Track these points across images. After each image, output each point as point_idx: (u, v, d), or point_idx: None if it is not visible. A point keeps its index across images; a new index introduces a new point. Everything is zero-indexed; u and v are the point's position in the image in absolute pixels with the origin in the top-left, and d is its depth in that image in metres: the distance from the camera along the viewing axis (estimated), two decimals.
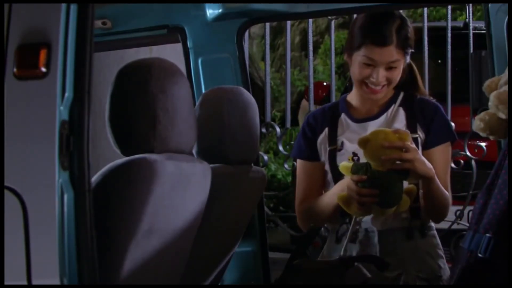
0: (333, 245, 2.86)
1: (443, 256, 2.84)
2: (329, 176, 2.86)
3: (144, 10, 3.27)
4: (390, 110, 2.83)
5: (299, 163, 2.95)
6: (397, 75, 2.77)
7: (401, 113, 2.82)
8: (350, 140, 2.81)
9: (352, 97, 2.91)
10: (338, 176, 2.79)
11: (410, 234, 2.78)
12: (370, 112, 2.86)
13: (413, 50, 2.82)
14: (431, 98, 2.91)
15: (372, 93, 2.78)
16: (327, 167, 2.86)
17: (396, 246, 2.77)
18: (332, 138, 2.85)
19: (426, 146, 2.79)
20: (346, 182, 2.66)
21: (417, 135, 2.78)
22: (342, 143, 2.83)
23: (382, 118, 2.82)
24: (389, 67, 2.74)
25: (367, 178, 2.58)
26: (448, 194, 2.75)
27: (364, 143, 2.61)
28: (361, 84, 2.80)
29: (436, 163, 2.73)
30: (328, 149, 2.85)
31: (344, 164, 2.70)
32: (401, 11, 2.89)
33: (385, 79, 2.75)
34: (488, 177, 2.39)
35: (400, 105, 2.84)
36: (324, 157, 2.87)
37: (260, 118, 3.00)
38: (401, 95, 2.86)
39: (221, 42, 3.24)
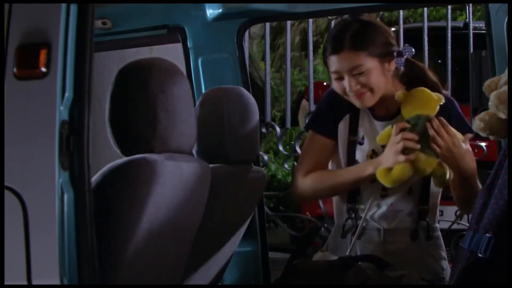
0: (338, 240, 2.85)
1: (446, 257, 2.84)
2: (340, 162, 2.83)
3: (144, 10, 3.27)
4: None
5: (311, 135, 2.87)
6: (370, 80, 2.69)
7: None
8: (370, 137, 2.79)
9: None
10: (352, 164, 2.78)
11: (415, 235, 2.77)
12: (389, 110, 2.81)
13: (390, 54, 2.74)
14: (447, 92, 2.86)
15: (358, 99, 2.72)
16: (343, 156, 2.82)
17: (401, 246, 2.76)
18: (353, 128, 2.81)
19: None
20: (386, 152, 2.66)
21: None
22: (363, 137, 2.80)
23: (399, 117, 2.78)
24: (356, 74, 2.68)
25: (409, 128, 2.64)
26: (479, 186, 2.69)
27: (403, 95, 2.70)
28: (350, 99, 2.75)
29: None
30: (348, 138, 2.81)
31: (381, 133, 2.72)
32: (367, 15, 2.87)
33: (359, 86, 2.69)
34: (488, 177, 2.39)
35: None
36: (341, 144, 2.84)
37: (260, 118, 3.00)
38: None
39: (221, 42, 3.24)
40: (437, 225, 2.84)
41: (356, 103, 2.75)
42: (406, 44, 2.85)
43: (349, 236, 2.81)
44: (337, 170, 2.84)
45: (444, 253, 2.84)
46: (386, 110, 2.81)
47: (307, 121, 3.08)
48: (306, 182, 2.83)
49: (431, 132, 2.63)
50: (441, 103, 2.69)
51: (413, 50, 2.82)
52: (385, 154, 2.66)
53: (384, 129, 2.73)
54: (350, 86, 2.69)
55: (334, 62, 2.71)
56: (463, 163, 2.64)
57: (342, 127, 2.84)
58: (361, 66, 2.68)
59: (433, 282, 2.76)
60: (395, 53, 2.76)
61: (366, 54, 2.68)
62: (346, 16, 3.04)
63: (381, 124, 2.80)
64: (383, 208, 2.78)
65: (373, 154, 2.77)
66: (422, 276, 2.74)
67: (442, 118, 2.65)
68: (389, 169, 2.65)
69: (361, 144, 2.80)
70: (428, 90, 2.71)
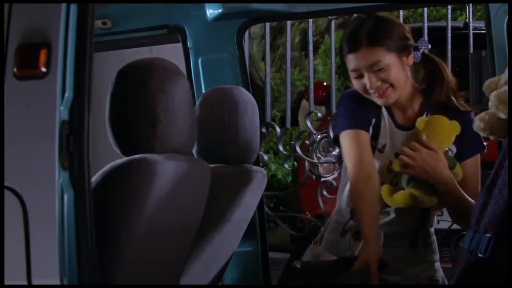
0: (334, 236, 2.82)
1: (438, 259, 2.84)
2: None
3: (144, 10, 3.27)
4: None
5: (346, 135, 2.74)
6: (392, 75, 2.68)
7: None
8: (391, 147, 2.76)
9: None
10: None
11: (414, 242, 2.77)
12: (407, 119, 2.79)
13: (408, 48, 2.73)
14: (464, 102, 2.84)
15: (379, 97, 2.71)
16: None
17: (399, 251, 2.76)
18: (376, 133, 2.77)
19: (459, 158, 2.76)
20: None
21: (447, 149, 2.74)
22: (385, 146, 2.76)
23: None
24: (375, 70, 2.67)
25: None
26: (472, 203, 2.67)
27: (424, 124, 2.70)
28: (371, 98, 2.74)
29: (468, 175, 2.74)
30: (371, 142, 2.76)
31: (397, 163, 2.71)
32: (385, 12, 2.86)
33: (379, 82, 2.68)
34: (488, 177, 2.39)
35: (433, 114, 2.76)
36: None
37: (260, 118, 3.00)
38: (432, 102, 2.79)
39: (221, 42, 3.24)
40: (432, 229, 2.84)
41: (379, 101, 2.73)
42: (422, 38, 2.84)
43: (349, 235, 2.80)
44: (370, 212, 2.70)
45: (437, 256, 2.84)
46: (407, 119, 2.79)
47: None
48: (364, 177, 2.68)
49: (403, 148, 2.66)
50: (457, 134, 2.71)
51: (429, 44, 2.81)
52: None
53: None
54: (371, 83, 2.68)
55: (352, 60, 2.71)
56: (439, 181, 2.65)
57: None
58: (380, 62, 2.67)
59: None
60: (412, 47, 2.75)
61: (383, 50, 2.68)
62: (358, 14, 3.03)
63: (402, 134, 2.78)
64: (391, 214, 2.76)
65: (389, 165, 2.73)
66: (418, 281, 2.76)
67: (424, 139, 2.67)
68: (392, 191, 2.71)
69: (381, 152, 2.76)
70: (445, 119, 2.70)
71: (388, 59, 2.68)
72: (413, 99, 2.80)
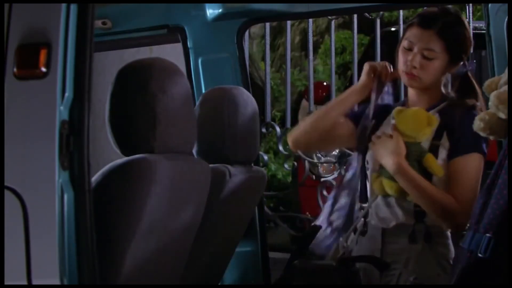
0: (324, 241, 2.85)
1: (448, 266, 2.73)
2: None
3: (144, 10, 3.27)
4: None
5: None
6: (431, 69, 2.75)
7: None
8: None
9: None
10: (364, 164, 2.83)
11: (412, 237, 2.76)
12: None
13: (465, 62, 2.79)
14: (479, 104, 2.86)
15: (407, 75, 2.78)
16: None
17: (398, 247, 2.76)
18: (377, 125, 2.85)
19: (450, 155, 2.76)
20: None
21: (439, 143, 2.75)
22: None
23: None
24: (425, 56, 2.74)
25: None
26: (444, 201, 2.69)
27: (398, 112, 2.75)
28: (401, 71, 2.81)
29: (456, 173, 2.72)
30: (369, 133, 2.84)
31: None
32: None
33: (418, 65, 2.74)
34: (488, 177, 2.38)
35: (438, 111, 2.79)
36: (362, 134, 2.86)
37: (260, 118, 3.00)
38: (444, 103, 2.81)
39: (221, 42, 3.24)
40: (448, 232, 2.77)
41: (404, 79, 2.81)
42: (474, 61, 2.88)
43: (353, 231, 2.81)
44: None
45: (446, 262, 2.74)
46: None
47: None
48: (298, 128, 2.91)
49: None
50: (434, 128, 2.73)
51: (474, 69, 2.87)
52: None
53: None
54: (411, 61, 2.75)
55: (415, 33, 2.77)
56: (390, 168, 2.70)
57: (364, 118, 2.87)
58: (433, 52, 2.75)
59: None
60: (462, 62, 2.82)
61: (445, 45, 2.76)
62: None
63: None
64: (384, 208, 2.77)
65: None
66: (411, 279, 2.74)
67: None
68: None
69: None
70: (424, 112, 2.73)
71: (441, 55, 2.76)
72: (432, 99, 2.83)
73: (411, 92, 2.87)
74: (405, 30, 2.85)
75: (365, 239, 2.80)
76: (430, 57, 2.75)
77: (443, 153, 2.75)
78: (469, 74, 2.85)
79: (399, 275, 2.73)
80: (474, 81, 2.86)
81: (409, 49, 2.77)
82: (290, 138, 2.93)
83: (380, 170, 2.75)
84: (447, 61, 2.78)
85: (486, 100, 2.51)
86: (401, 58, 2.80)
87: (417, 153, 2.72)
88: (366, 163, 2.82)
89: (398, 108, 2.77)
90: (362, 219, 2.81)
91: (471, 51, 2.86)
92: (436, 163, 2.72)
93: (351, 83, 4.96)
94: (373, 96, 2.87)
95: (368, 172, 2.82)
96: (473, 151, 2.74)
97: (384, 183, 2.74)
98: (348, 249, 2.79)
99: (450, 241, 2.77)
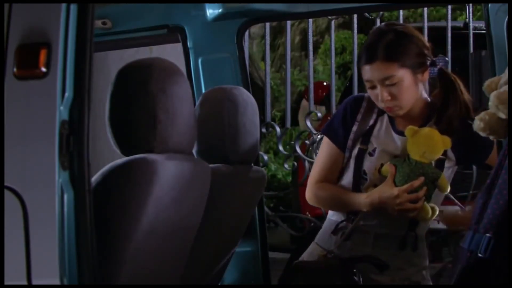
0: (327, 235, 2.85)
1: (427, 266, 2.87)
2: (350, 171, 2.84)
3: (144, 10, 3.27)
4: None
5: (327, 142, 2.88)
6: (402, 91, 2.71)
7: None
8: (382, 150, 2.79)
9: None
10: (358, 176, 2.79)
11: (403, 244, 2.79)
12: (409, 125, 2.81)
13: (423, 65, 2.76)
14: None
15: (388, 111, 2.77)
16: (351, 162, 2.82)
17: (388, 253, 2.77)
18: (366, 137, 2.82)
19: (469, 162, 2.84)
20: (382, 195, 2.70)
21: (444, 157, 2.76)
22: (375, 149, 2.79)
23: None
24: (387, 85, 2.70)
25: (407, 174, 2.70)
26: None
27: (413, 133, 2.71)
28: (381, 107, 2.79)
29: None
30: (358, 146, 2.81)
31: (385, 168, 2.74)
32: (400, 26, 2.87)
33: (388, 96, 2.71)
34: (488, 177, 2.39)
35: (435, 123, 2.80)
36: (350, 150, 2.84)
37: (260, 118, 3.00)
38: (435, 114, 2.82)
39: (221, 42, 3.24)
40: (422, 234, 2.85)
41: (388, 113, 2.80)
42: (440, 55, 2.86)
43: (340, 234, 2.81)
44: (340, 190, 2.84)
45: (426, 262, 2.86)
46: (406, 124, 2.80)
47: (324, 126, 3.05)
48: (313, 190, 2.88)
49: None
50: (447, 149, 2.74)
51: (447, 59, 2.84)
52: (382, 196, 2.70)
53: (386, 166, 2.74)
54: (381, 96, 2.72)
55: (367, 71, 2.74)
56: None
57: (355, 131, 2.84)
58: (393, 77, 2.70)
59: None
60: (428, 63, 2.77)
61: (398, 65, 2.71)
62: (382, 24, 3.05)
63: (400, 138, 2.80)
64: (381, 217, 2.77)
65: (380, 167, 2.76)
66: (404, 283, 2.77)
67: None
68: None
69: (371, 155, 2.79)
70: (437, 133, 2.73)
71: (402, 74, 2.71)
72: (422, 112, 2.82)
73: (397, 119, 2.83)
74: (359, 71, 2.82)
75: (353, 244, 2.81)
76: (393, 83, 2.70)
77: (448, 165, 2.79)
78: (444, 69, 2.83)
79: (392, 282, 2.75)
80: (451, 75, 2.86)
81: (373, 87, 2.74)
82: (306, 195, 2.92)
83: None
84: (411, 75, 2.73)
85: (481, 98, 2.52)
86: (372, 98, 2.78)
87: (434, 175, 2.72)
88: (363, 173, 2.80)
89: (412, 128, 2.73)
90: (351, 224, 2.82)
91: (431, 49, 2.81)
92: (447, 182, 2.77)
93: (351, 83, 4.97)
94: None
95: (365, 183, 2.80)
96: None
97: None
98: (332, 250, 2.78)
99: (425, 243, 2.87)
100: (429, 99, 2.84)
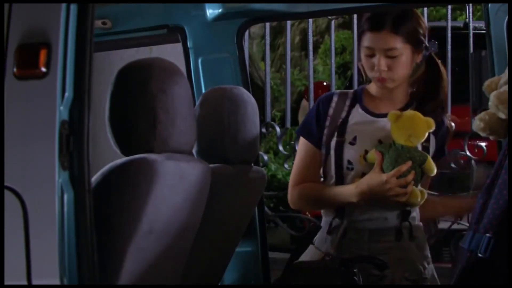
0: (324, 236, 2.86)
1: (429, 256, 2.86)
2: (332, 167, 2.84)
3: (144, 10, 3.27)
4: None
5: (303, 142, 2.92)
6: (399, 65, 2.76)
7: None
8: (363, 137, 2.80)
9: (372, 90, 2.90)
10: (341, 168, 2.80)
11: (399, 235, 2.79)
12: (384, 109, 2.84)
13: (425, 48, 2.81)
14: (447, 114, 2.93)
15: (379, 81, 2.79)
16: (332, 157, 2.83)
17: (385, 246, 2.78)
18: (342, 129, 2.83)
19: (435, 157, 2.82)
20: (370, 183, 2.69)
21: (428, 144, 2.80)
22: (355, 137, 2.81)
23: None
24: (388, 56, 2.75)
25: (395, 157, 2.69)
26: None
27: (396, 117, 2.72)
28: (372, 77, 2.82)
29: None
30: (335, 139, 2.82)
31: (371, 154, 2.74)
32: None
33: (386, 67, 2.75)
34: (488, 177, 2.39)
35: (416, 109, 2.81)
36: (327, 145, 2.85)
37: (260, 118, 3.00)
38: (415, 103, 2.85)
39: (221, 42, 3.24)
40: (419, 223, 2.86)
41: (377, 83, 2.82)
42: (433, 40, 2.88)
43: (335, 233, 2.81)
44: (324, 186, 2.85)
45: (427, 252, 2.86)
46: (384, 109, 2.83)
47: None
48: (294, 192, 2.90)
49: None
50: (431, 130, 2.75)
51: (436, 43, 2.88)
52: (371, 183, 2.70)
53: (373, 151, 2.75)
54: (379, 65, 2.76)
55: (370, 39, 2.77)
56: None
57: (328, 127, 2.86)
58: (395, 50, 2.75)
59: (416, 281, 2.79)
60: (423, 46, 2.83)
61: (403, 40, 2.76)
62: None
63: (375, 121, 2.82)
64: (370, 209, 2.78)
65: (366, 154, 2.78)
66: (406, 275, 2.77)
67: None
68: None
69: (353, 144, 2.80)
70: (420, 115, 2.74)
71: (403, 49, 2.77)
72: (401, 94, 2.86)
73: (380, 93, 2.86)
74: (359, 39, 2.84)
75: (347, 241, 2.81)
76: (394, 55, 2.75)
77: (431, 154, 2.81)
78: (433, 55, 2.88)
79: (392, 275, 2.75)
80: (438, 62, 2.91)
81: (371, 55, 2.77)
82: (288, 199, 2.95)
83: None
84: (411, 52, 2.79)
85: (481, 98, 2.54)
86: (366, 66, 2.80)
87: (421, 158, 2.72)
88: (348, 163, 2.81)
89: (394, 112, 2.74)
90: (338, 218, 2.82)
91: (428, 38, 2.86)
92: (433, 164, 2.76)
93: (351, 83, 4.97)
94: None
95: (351, 172, 2.81)
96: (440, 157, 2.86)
97: None
98: (330, 251, 2.79)
99: (423, 234, 2.87)
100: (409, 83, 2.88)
